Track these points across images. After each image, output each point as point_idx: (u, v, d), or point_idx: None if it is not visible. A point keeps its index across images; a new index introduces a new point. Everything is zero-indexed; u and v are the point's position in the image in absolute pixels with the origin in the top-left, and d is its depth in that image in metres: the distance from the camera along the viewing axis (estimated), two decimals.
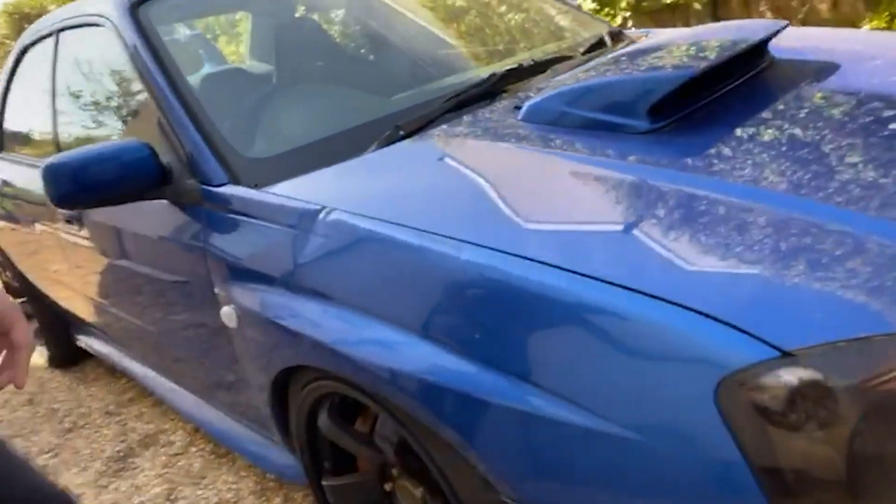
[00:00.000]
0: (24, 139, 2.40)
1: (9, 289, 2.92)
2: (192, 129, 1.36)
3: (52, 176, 1.30)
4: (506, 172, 1.09)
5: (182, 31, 3.47)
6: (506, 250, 0.86)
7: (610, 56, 1.55)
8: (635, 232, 0.85)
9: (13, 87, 2.42)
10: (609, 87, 1.19)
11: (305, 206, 1.11)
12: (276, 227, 1.16)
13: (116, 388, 2.54)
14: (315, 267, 1.08)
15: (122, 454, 2.08)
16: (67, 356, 2.78)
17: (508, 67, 1.57)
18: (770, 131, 1.07)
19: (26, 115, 2.32)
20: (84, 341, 2.55)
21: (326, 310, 1.05)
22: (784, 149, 0.98)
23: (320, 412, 1.19)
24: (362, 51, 2.24)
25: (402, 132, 1.32)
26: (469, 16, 2.25)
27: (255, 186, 1.25)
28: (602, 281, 0.77)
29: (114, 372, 2.61)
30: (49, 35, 2.06)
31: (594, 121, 1.13)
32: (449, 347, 0.88)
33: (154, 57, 1.50)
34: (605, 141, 1.09)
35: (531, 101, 1.24)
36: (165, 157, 1.41)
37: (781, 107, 1.14)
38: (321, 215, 1.07)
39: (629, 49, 1.55)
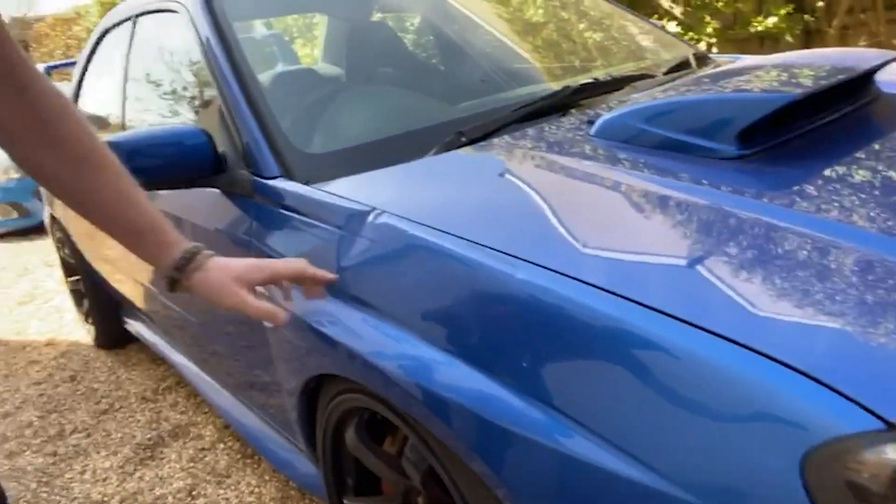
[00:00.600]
0: (95, 120, 2.44)
1: (65, 265, 2.99)
2: (251, 118, 1.33)
3: None
4: (571, 189, 1.00)
5: (259, 30, 3.52)
6: (566, 273, 0.77)
7: (697, 75, 1.44)
8: (712, 265, 0.75)
9: (90, 68, 2.47)
10: (695, 106, 1.08)
11: (354, 206, 1.04)
12: (323, 227, 1.10)
13: (156, 375, 2.54)
14: (358, 272, 1.01)
15: (151, 442, 2.05)
16: (114, 338, 2.81)
17: (584, 81, 1.48)
18: (868, 171, 0.95)
19: (99, 96, 2.36)
20: (131, 325, 2.56)
21: (365, 318, 0.98)
22: (883, 192, 0.86)
23: (348, 426, 1.12)
24: (434, 58, 2.19)
25: (464, 138, 1.25)
26: (546, 30, 2.17)
27: (307, 183, 1.19)
28: (672, 317, 0.67)
29: (155, 359, 2.61)
30: (127, 19, 2.08)
31: (675, 142, 1.03)
32: (491, 373, 0.79)
33: (223, 45, 1.47)
34: (685, 164, 0.99)
35: (606, 116, 1.15)
36: (222, 147, 1.38)
37: (885, 146, 1.02)
38: (370, 217, 1.01)
39: (716, 70, 1.44)
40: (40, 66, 3.21)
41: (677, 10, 2.77)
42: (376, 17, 2.32)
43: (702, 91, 1.18)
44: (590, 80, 1.48)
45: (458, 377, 0.82)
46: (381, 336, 0.94)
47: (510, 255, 0.82)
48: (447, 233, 0.90)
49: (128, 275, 2.20)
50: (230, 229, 1.36)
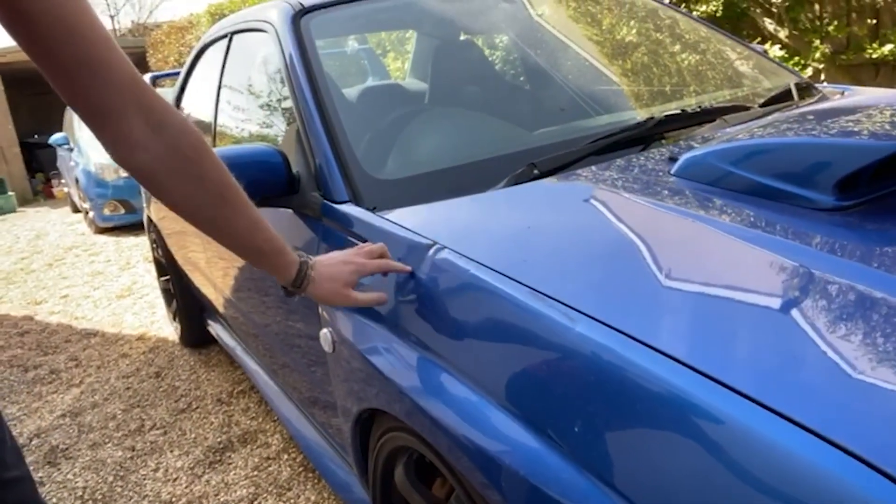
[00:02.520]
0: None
1: (158, 265, 3.14)
2: (326, 141, 1.33)
3: None
4: (646, 235, 0.93)
5: (352, 45, 3.59)
6: (629, 332, 0.71)
7: (795, 112, 1.34)
8: (800, 340, 0.67)
9: (190, 80, 2.59)
10: (790, 149, 0.99)
11: (416, 238, 1.02)
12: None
13: (232, 378, 2.62)
14: (414, 307, 0.99)
15: (221, 446, 2.11)
16: (198, 338, 2.93)
17: (669, 112, 1.40)
18: None
19: (196, 107, 2.47)
20: (212, 327, 2.66)
21: (418, 357, 0.95)
22: None
23: (397, 464, 1.09)
24: (518, 79, 2.15)
25: (536, 171, 1.20)
26: (637, 53, 2.09)
27: (374, 209, 1.18)
28: (748, 399, 0.60)
29: (233, 361, 2.70)
30: (224, 36, 2.16)
31: (765, 187, 0.94)
32: (542, 434, 0.74)
33: (305, 67, 1.49)
34: (775, 213, 0.90)
35: (689, 154, 1.08)
36: (296, 168, 1.40)
37: None
38: (430, 252, 0.98)
39: (819, 107, 1.33)
40: (147, 77, 3.41)
41: (782, 34, 2.60)
42: (464, 35, 2.31)
43: (800, 131, 1.08)
44: (676, 112, 1.40)
45: (507, 433, 0.78)
46: (430, 378, 0.91)
47: (571, 307, 0.77)
48: (506, 276, 0.86)
49: (211, 280, 2.28)
50: (300, 250, 1.37)
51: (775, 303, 0.74)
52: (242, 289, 1.95)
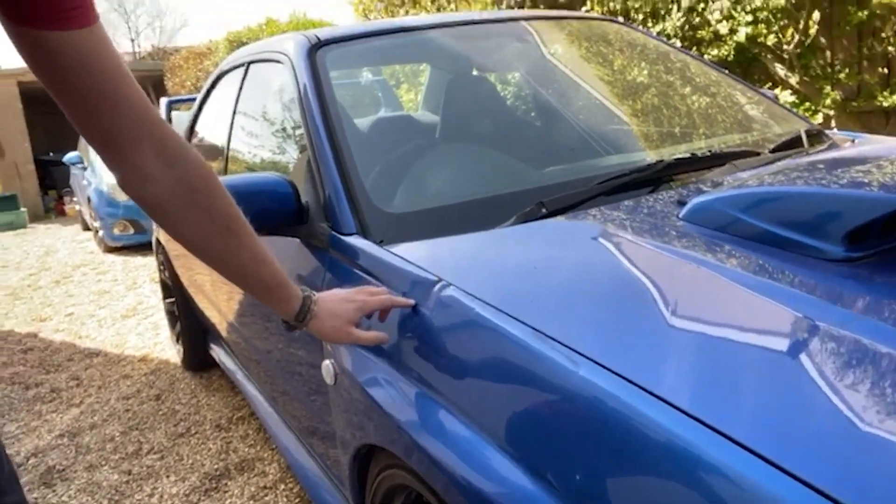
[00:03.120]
0: (204, 152, 2.58)
1: (164, 287, 3.15)
2: (336, 172, 1.34)
3: None
4: (653, 279, 0.93)
5: (366, 76, 3.64)
6: (633, 379, 0.70)
7: (805, 160, 1.34)
8: (802, 388, 0.66)
9: (206, 106, 2.63)
10: (799, 198, 0.99)
11: (421, 273, 1.02)
12: (388, 292, 1.07)
13: (232, 403, 2.60)
14: (416, 343, 0.98)
15: (218, 473, 2.09)
16: (200, 361, 2.92)
17: (679, 155, 1.41)
18: None
19: (210, 134, 2.50)
20: (215, 351, 2.65)
21: (418, 393, 0.94)
22: None
23: (395, 502, 1.07)
24: (529, 116, 2.17)
25: (544, 209, 1.20)
26: (648, 94, 2.11)
27: (381, 243, 1.19)
28: (753, 452, 0.59)
29: (234, 386, 2.68)
30: (241, 65, 2.20)
31: (774, 236, 0.94)
32: (539, 477, 0.73)
33: (318, 98, 1.51)
34: (783, 262, 0.90)
35: (698, 199, 1.08)
36: (306, 197, 1.40)
37: None
38: (434, 288, 0.98)
39: (830, 155, 1.33)
40: (163, 101, 3.46)
41: (793, 80, 2.62)
42: (476, 70, 2.34)
43: (810, 180, 1.08)
44: (685, 155, 1.40)
45: (506, 476, 0.77)
46: (430, 416, 0.90)
47: (575, 349, 0.76)
48: (511, 315, 0.85)
49: (215, 303, 2.28)
50: (305, 280, 1.37)
51: (781, 354, 0.74)
52: (246, 313, 1.95)
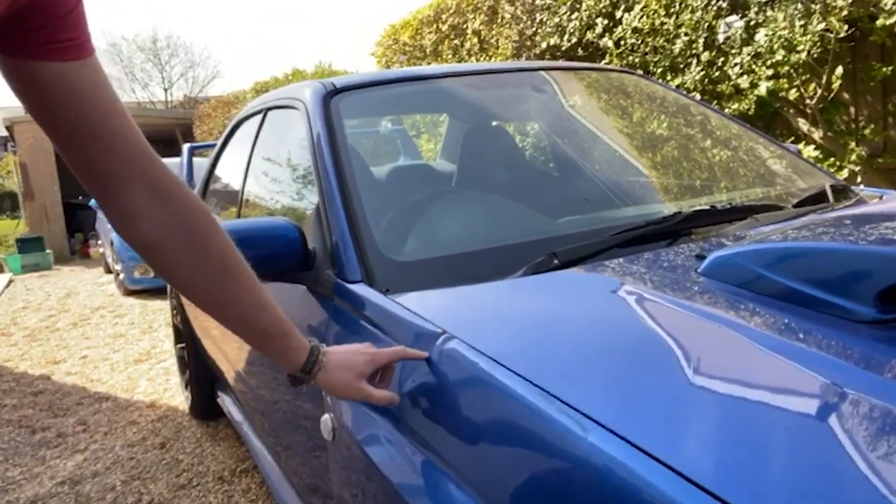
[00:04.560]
0: (219, 201, 2.59)
1: (176, 332, 3.12)
2: (343, 218, 1.31)
3: None
4: (670, 338, 0.87)
5: (386, 125, 3.66)
6: (646, 448, 0.64)
7: (831, 215, 1.28)
8: (830, 460, 0.59)
9: (224, 153, 2.65)
10: (827, 254, 0.93)
11: (424, 325, 0.97)
12: (392, 342, 1.03)
13: (237, 455, 2.53)
14: (418, 401, 0.93)
15: None
16: (207, 409, 2.86)
17: (698, 207, 1.36)
18: None
19: (227, 179, 2.51)
20: (222, 399, 2.60)
21: (418, 455, 0.88)
22: None
23: None
24: (546, 166, 2.15)
25: (556, 261, 1.15)
26: (667, 146, 2.07)
27: (386, 292, 1.14)
28: None
29: (239, 437, 2.62)
30: (259, 112, 2.22)
31: (799, 294, 0.88)
32: None
33: (330, 144, 1.50)
34: (809, 323, 0.84)
35: (719, 253, 1.02)
36: (313, 243, 1.38)
37: None
38: (438, 341, 0.93)
39: (858, 211, 1.28)
40: (185, 147, 3.51)
41: (816, 135, 2.57)
42: (496, 121, 2.33)
43: (837, 236, 1.03)
44: (705, 207, 1.35)
45: None
46: (430, 481, 0.84)
47: (585, 413, 0.70)
48: (518, 374, 0.80)
49: (223, 351, 2.24)
50: (311, 331, 1.33)
51: (806, 423, 0.67)
52: (254, 362, 1.90)
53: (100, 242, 9.29)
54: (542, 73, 2.09)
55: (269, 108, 2.12)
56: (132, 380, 3.69)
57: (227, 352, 2.15)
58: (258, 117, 2.24)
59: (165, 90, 24.11)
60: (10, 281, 8.37)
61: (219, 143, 2.77)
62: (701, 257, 1.08)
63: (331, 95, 1.67)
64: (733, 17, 2.79)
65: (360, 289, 1.18)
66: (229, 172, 2.50)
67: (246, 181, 2.17)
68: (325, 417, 1.14)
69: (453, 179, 2.02)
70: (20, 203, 11.70)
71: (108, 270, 8.11)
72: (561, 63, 3.25)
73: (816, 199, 1.49)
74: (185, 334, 2.85)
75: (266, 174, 2.04)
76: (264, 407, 1.86)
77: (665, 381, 0.75)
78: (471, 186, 1.81)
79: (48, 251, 9.90)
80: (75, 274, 8.95)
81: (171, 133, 11.63)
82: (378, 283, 1.18)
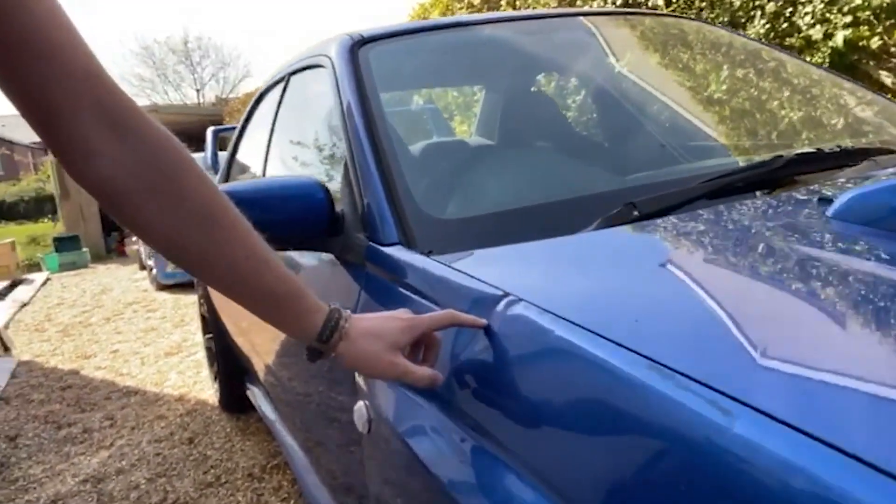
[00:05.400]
0: (242, 174, 2.43)
1: (204, 322, 2.98)
2: (377, 174, 1.12)
3: None
4: (821, 292, 0.65)
5: (417, 101, 3.46)
6: (824, 437, 0.43)
7: None
8: None
9: (248, 127, 2.48)
10: None
11: (482, 287, 0.77)
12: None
13: (268, 450, 2.37)
14: (476, 382, 0.73)
15: None
16: (236, 402, 2.71)
17: (801, 151, 1.13)
18: None
19: (250, 153, 2.35)
20: (251, 392, 2.44)
21: (475, 447, 0.68)
22: None
23: None
24: (600, 127, 1.92)
25: (637, 212, 0.94)
26: (736, 100, 1.83)
27: (429, 254, 0.94)
28: None
29: (270, 431, 2.45)
30: (281, 79, 2.04)
31: None
32: None
33: (359, 93, 1.31)
34: None
35: (856, 191, 0.80)
36: (342, 207, 1.19)
37: None
38: (500, 306, 0.72)
39: None
40: (209, 130, 3.36)
41: None
42: (536, 86, 2.12)
43: None
44: (810, 150, 1.13)
45: None
46: (490, 478, 0.64)
47: (721, 391, 0.49)
48: (612, 341, 0.59)
49: (251, 340, 2.07)
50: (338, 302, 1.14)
51: None
52: (284, 353, 1.72)
53: (134, 239, 9.32)
54: (588, 19, 1.86)
55: (293, 73, 1.94)
56: (162, 373, 3.57)
57: (256, 342, 1.98)
58: (280, 86, 2.06)
59: (197, 91, 24.31)
60: (48, 279, 8.42)
61: (241, 120, 2.60)
62: (826, 200, 0.86)
63: (359, 45, 1.48)
64: None
65: (398, 251, 0.98)
66: (252, 149, 2.33)
67: (269, 154, 1.99)
68: (360, 405, 0.95)
69: (496, 141, 1.82)
70: (56, 204, 11.83)
71: (142, 267, 8.10)
72: (610, 9, 2.99)
73: None
74: (211, 324, 2.70)
75: (290, 142, 1.87)
76: (295, 399, 1.69)
77: (834, 348, 0.54)
78: (517, 145, 1.60)
79: (84, 249, 9.96)
80: (110, 271, 8.97)
81: (202, 130, 11.62)
82: (418, 244, 0.98)
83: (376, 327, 0.74)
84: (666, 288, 0.72)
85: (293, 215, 1.13)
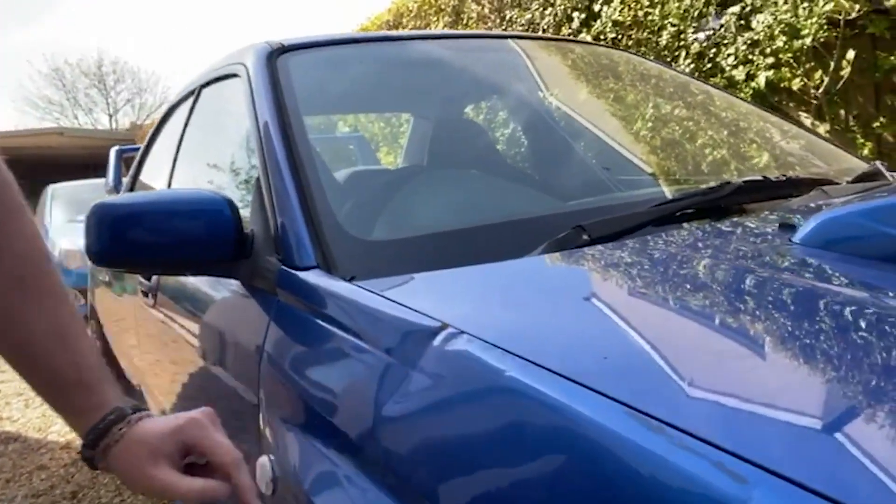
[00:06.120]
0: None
1: None
2: (293, 188, 0.98)
3: (96, 223, 0.94)
4: (794, 321, 0.57)
5: (343, 129, 3.33)
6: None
7: None
8: None
9: (154, 144, 2.28)
10: None
11: (414, 318, 0.64)
12: (363, 346, 0.70)
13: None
14: (407, 433, 0.59)
15: None
16: None
17: (749, 178, 1.08)
18: None
19: (155, 172, 2.14)
20: None
21: None
22: None
23: None
24: (534, 155, 1.85)
25: (586, 236, 0.84)
26: (667, 130, 1.81)
27: (351, 280, 0.81)
28: None
29: None
30: (191, 93, 1.87)
31: None
32: None
33: (275, 102, 1.17)
34: None
35: (824, 216, 0.73)
36: (252, 227, 1.04)
37: None
38: (437, 339, 0.60)
39: None
40: (113, 149, 3.10)
41: (822, 129, 2.37)
42: (467, 113, 2.04)
43: None
44: (757, 178, 1.07)
45: None
46: None
47: (732, 452, 0.39)
48: (578, 383, 0.48)
49: (149, 383, 1.85)
50: (244, 339, 0.98)
51: None
52: (186, 396, 1.52)
53: None
54: (519, 43, 1.80)
55: (204, 85, 1.77)
56: (47, 417, 3.20)
57: (153, 382, 1.76)
58: (190, 100, 1.89)
59: (110, 116, 23.23)
60: None
61: (146, 138, 2.40)
62: (788, 226, 0.80)
63: (278, 54, 1.35)
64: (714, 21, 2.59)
65: (315, 276, 0.84)
66: (157, 168, 2.13)
67: (174, 172, 1.80)
68: (263, 460, 0.79)
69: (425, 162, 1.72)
70: None
71: None
72: (541, 35, 2.97)
73: (872, 177, 1.23)
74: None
75: (197, 159, 1.69)
76: None
77: (809, 374, 0.45)
78: (450, 165, 1.50)
79: None
80: None
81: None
82: (339, 268, 0.85)
83: (146, 431, 0.60)
84: (630, 319, 0.61)
85: (193, 235, 0.97)
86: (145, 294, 1.55)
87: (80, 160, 11.38)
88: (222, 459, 0.60)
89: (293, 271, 0.87)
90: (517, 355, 0.53)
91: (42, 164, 11.04)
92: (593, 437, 0.44)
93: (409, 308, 0.67)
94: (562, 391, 0.48)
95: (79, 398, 0.60)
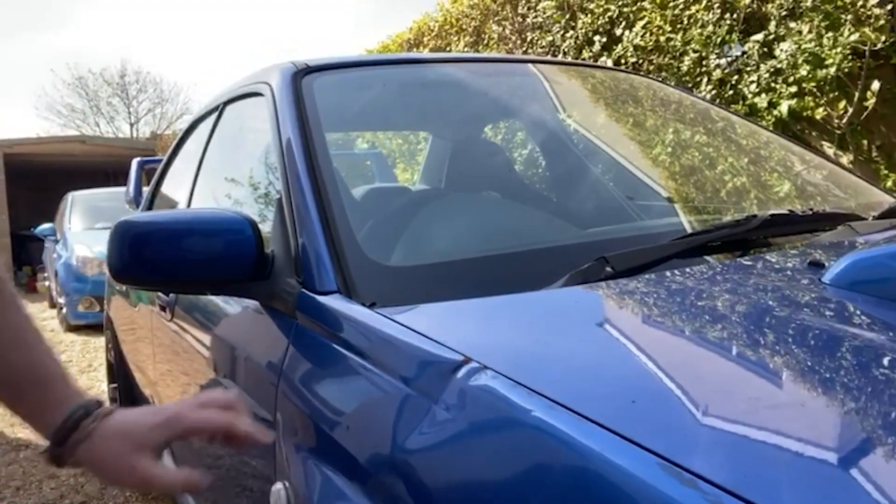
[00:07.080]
0: (167, 205, 2.23)
1: (110, 369, 2.71)
2: (315, 211, 0.98)
3: (118, 240, 0.94)
4: (835, 367, 0.55)
5: (361, 145, 3.35)
6: None
7: None
8: None
9: (175, 159, 2.30)
10: None
11: (434, 350, 0.64)
12: (381, 375, 0.69)
13: None
14: (427, 468, 0.58)
15: None
16: None
17: (775, 212, 1.06)
18: None
19: (175, 186, 2.16)
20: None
21: None
22: None
23: None
24: (555, 180, 1.85)
25: (609, 268, 0.83)
26: (687, 157, 1.80)
27: (371, 305, 0.80)
28: None
29: (175, 498, 2.19)
30: (214, 109, 1.89)
31: None
32: None
33: (299, 123, 1.18)
34: None
35: (853, 257, 0.72)
36: (272, 247, 1.04)
37: None
38: (459, 373, 0.59)
39: None
40: (135, 161, 3.13)
41: (845, 159, 2.35)
42: (487, 134, 2.04)
43: None
44: (784, 212, 1.06)
45: None
46: None
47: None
48: (610, 430, 0.47)
49: (161, 395, 1.85)
50: (262, 360, 0.98)
51: None
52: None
53: (45, 275, 8.72)
54: (537, 66, 1.80)
55: (228, 102, 1.79)
56: None
57: (165, 395, 1.77)
58: (214, 116, 1.91)
59: (131, 125, 23.55)
60: None
61: (168, 151, 2.42)
62: (817, 264, 0.78)
63: (302, 74, 1.36)
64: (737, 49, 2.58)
65: (336, 301, 0.84)
66: (177, 182, 2.14)
67: (195, 188, 1.82)
68: (278, 488, 0.78)
69: (442, 185, 1.72)
70: None
71: (52, 305, 7.54)
72: (561, 59, 2.97)
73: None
74: (117, 372, 2.44)
75: (219, 176, 1.71)
76: (204, 467, 1.48)
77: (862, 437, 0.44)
78: (469, 189, 1.50)
79: None
80: None
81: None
82: (360, 293, 0.84)
83: (128, 424, 0.61)
84: (659, 360, 0.60)
85: (216, 253, 0.97)
86: (163, 308, 1.56)
87: (102, 167, 11.52)
88: (218, 427, 0.61)
89: (314, 295, 0.87)
90: (543, 395, 0.52)
91: (65, 171, 11.19)
92: (621, 485, 0.43)
93: (432, 339, 0.66)
94: (589, 435, 0.47)
95: (36, 397, 0.61)
